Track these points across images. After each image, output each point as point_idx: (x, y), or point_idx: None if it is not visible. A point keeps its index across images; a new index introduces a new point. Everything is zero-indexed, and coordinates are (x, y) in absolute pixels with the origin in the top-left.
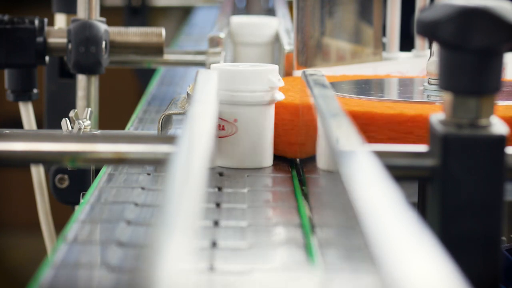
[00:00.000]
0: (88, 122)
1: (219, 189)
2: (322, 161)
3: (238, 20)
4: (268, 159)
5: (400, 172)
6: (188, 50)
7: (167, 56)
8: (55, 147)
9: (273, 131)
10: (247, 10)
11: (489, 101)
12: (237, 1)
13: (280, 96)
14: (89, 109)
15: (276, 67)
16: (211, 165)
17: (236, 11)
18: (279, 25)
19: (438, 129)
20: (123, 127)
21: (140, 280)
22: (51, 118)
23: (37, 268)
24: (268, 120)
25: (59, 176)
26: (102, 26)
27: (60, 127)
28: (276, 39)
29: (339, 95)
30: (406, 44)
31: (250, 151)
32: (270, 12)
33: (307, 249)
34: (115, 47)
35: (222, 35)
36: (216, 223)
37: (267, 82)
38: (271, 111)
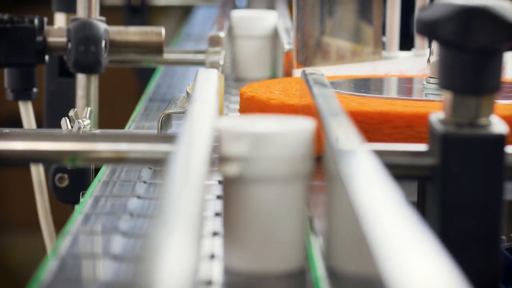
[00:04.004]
0: (88, 121)
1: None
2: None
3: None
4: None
5: (400, 171)
6: (188, 49)
7: (167, 56)
8: (54, 146)
9: None
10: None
11: (489, 100)
12: (237, 0)
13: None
14: (89, 108)
15: None
16: None
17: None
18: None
19: (437, 128)
20: (122, 126)
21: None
22: (50, 117)
23: (37, 268)
24: None
25: (59, 175)
26: (102, 25)
27: (59, 126)
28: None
29: (338, 92)
30: (406, 43)
31: None
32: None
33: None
34: (115, 46)
35: (222, 34)
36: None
37: None
38: None
